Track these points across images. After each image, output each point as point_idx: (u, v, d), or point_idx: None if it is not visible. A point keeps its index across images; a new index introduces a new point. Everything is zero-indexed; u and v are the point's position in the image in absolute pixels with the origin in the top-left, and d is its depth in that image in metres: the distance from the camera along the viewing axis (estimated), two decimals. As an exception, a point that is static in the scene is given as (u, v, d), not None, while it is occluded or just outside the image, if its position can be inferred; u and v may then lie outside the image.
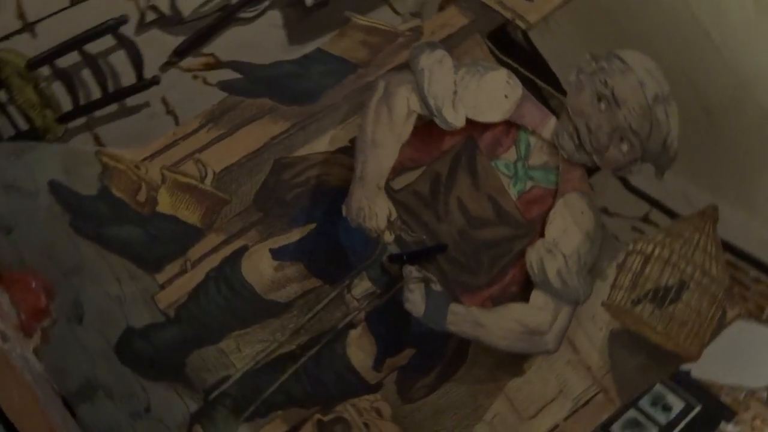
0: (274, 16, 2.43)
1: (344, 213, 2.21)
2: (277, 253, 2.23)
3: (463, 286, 2.31)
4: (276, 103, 2.32)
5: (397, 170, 2.32)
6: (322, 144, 2.30)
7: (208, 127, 2.28)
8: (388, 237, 2.22)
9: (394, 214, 2.22)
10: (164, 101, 2.31)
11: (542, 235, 2.36)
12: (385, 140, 2.25)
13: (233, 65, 2.35)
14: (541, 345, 2.29)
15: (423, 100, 2.29)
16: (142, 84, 2.30)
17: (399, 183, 2.32)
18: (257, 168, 2.27)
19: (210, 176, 2.23)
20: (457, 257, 2.33)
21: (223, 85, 2.32)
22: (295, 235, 2.25)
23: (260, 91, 2.34)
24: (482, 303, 2.32)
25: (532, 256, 2.34)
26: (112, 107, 2.28)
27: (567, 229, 2.40)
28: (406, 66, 2.33)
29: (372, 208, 2.22)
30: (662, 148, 2.38)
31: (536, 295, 2.32)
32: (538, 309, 2.31)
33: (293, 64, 2.38)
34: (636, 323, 2.43)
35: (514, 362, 2.31)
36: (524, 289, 2.34)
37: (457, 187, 2.36)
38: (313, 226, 2.27)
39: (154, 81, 2.30)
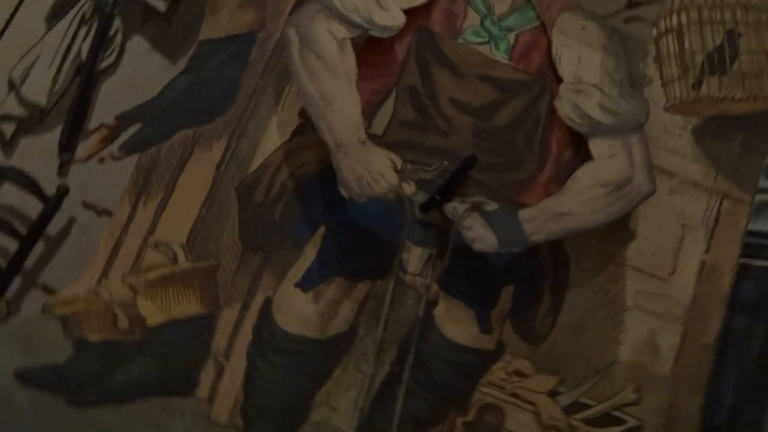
0: (137, 45, 2.04)
1: (345, 194, 1.83)
2: (304, 283, 1.83)
3: (516, 187, 1.92)
4: (195, 128, 1.93)
5: (369, 112, 1.92)
6: (273, 138, 1.89)
7: (143, 202, 1.88)
8: (408, 188, 1.83)
9: (398, 161, 1.83)
10: (86, 205, 1.93)
11: (559, 80, 1.99)
12: (335, 89, 1.84)
13: (126, 119, 1.94)
14: (635, 192, 1.91)
15: (345, 20, 1.88)
16: (52, 204, 1.93)
17: (379, 124, 1.91)
18: (223, 210, 1.86)
19: (180, 252, 1.82)
20: (489, 161, 1.93)
21: (129, 147, 1.92)
22: (310, 252, 1.85)
23: (169, 126, 1.93)
24: (546, 191, 1.94)
25: (564, 107, 1.95)
26: (39, 248, 1.91)
27: (580, 57, 2.00)
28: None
29: (371, 170, 1.81)
30: None
31: (595, 145, 1.94)
32: (607, 158, 1.92)
33: (185, 76, 1.96)
34: (712, 105, 2.04)
35: (618, 230, 1.92)
36: (578, 148, 1.96)
37: (441, 89, 1.96)
38: (322, 229, 1.88)
39: (62, 193, 1.94)
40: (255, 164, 1.86)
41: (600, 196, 1.87)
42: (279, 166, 1.89)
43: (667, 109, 2.03)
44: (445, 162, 1.85)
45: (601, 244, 1.90)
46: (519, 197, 1.91)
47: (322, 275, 1.83)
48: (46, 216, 1.94)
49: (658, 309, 1.90)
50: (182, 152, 1.88)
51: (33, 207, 1.94)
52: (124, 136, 1.90)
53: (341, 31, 1.87)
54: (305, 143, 1.89)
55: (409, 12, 1.91)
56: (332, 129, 1.80)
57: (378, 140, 1.87)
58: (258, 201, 1.87)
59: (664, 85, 2.06)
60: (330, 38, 1.86)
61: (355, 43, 1.88)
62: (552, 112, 1.94)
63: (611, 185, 1.88)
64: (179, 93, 1.92)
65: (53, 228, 1.94)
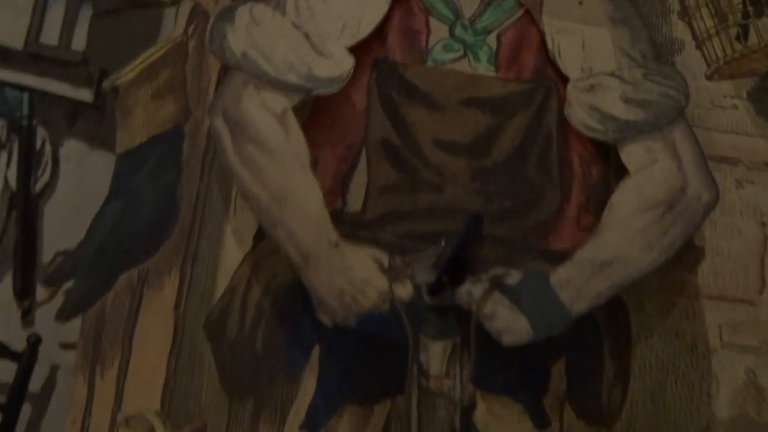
0: (72, 149, 1.84)
1: (327, 321, 1.47)
2: (311, 424, 1.48)
3: (541, 232, 1.54)
4: (139, 266, 1.60)
5: (339, 187, 1.57)
6: (232, 253, 1.54)
7: (99, 373, 1.56)
8: (404, 291, 1.49)
9: (385, 258, 1.48)
10: (66, 346, 1.66)
11: (565, 78, 1.61)
12: (287, 182, 1.48)
13: (55, 278, 1.64)
14: (694, 207, 1.53)
15: (280, 85, 1.53)
16: (26, 359, 1.70)
17: (356, 198, 1.56)
18: (194, 357, 1.51)
19: (157, 423, 1.50)
20: (500, 207, 1.57)
21: (67, 311, 1.60)
22: (309, 382, 1.49)
23: (107, 273, 1.59)
24: (579, 226, 1.58)
25: (578, 114, 1.56)
26: (26, 410, 1.71)
27: (584, 41, 1.61)
28: (224, 69, 1.57)
29: (353, 279, 1.44)
30: None
31: (629, 155, 1.55)
32: (647, 169, 1.53)
33: (111, 204, 1.63)
34: (765, 57, 1.63)
35: (682, 255, 1.57)
36: (608, 159, 1.59)
37: (420, 132, 1.58)
38: (316, 350, 1.52)
39: (34, 343, 1.72)
40: (219, 291, 1.52)
41: (649, 224, 1.49)
42: (248, 286, 1.53)
43: (710, 77, 1.63)
44: (443, 236, 1.51)
45: (663, 275, 1.53)
46: (548, 243, 1.54)
47: (329, 408, 1.49)
48: (23, 375, 1.72)
49: (753, 341, 1.54)
50: (130, 300, 1.55)
51: (6, 370, 1.71)
52: (57, 301, 1.62)
53: (279, 102, 1.51)
54: (272, 248, 1.54)
55: (358, 47, 1.57)
56: (293, 237, 1.44)
57: (359, 220, 1.53)
58: (233, 336, 1.52)
59: (699, 46, 1.65)
60: (267, 116, 1.50)
61: (301, 107, 1.55)
62: (565, 122, 1.56)
63: (660, 205, 1.50)
64: (109, 228, 1.60)
65: (35, 384, 1.71)
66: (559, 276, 1.46)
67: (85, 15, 1.92)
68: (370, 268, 1.43)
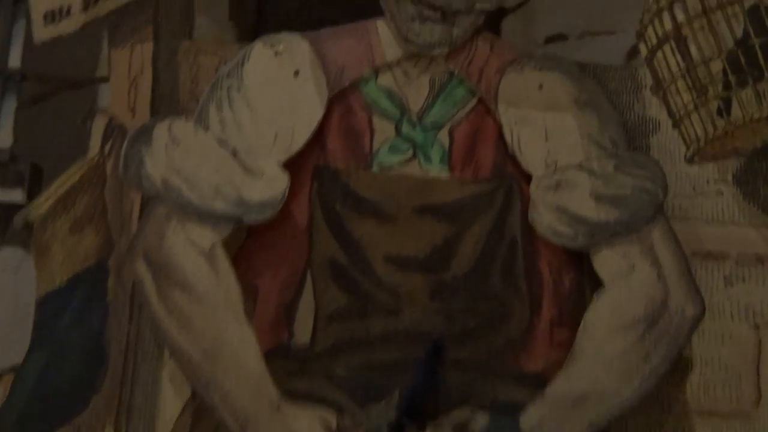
0: (6, 259, 1.63)
1: None
2: None
3: (511, 352, 1.37)
4: (67, 425, 1.41)
5: (284, 318, 1.39)
6: (171, 402, 1.33)
7: None
8: None
9: (332, 418, 1.31)
10: None
11: (527, 175, 1.47)
12: (219, 332, 1.33)
13: None
14: (677, 320, 1.38)
15: (207, 215, 1.37)
16: None
17: (304, 329, 1.39)
18: None
19: None
20: (463, 328, 1.42)
21: None
22: None
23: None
24: (552, 341, 1.43)
25: (544, 219, 1.40)
26: None
27: (547, 130, 1.45)
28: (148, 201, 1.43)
29: None
30: None
31: (602, 263, 1.39)
32: (624, 278, 1.39)
33: (33, 355, 1.45)
34: (753, 131, 1.47)
35: (668, 372, 1.43)
36: (581, 265, 1.45)
37: (370, 248, 1.43)
38: None
39: None
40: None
41: (628, 347, 1.33)
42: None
43: (690, 160, 1.46)
44: (398, 384, 1.36)
45: (648, 405, 1.40)
46: (519, 365, 1.37)
47: None
48: None
49: (752, 460, 1.42)
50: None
51: None
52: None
53: (206, 236, 1.35)
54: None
55: (293, 160, 1.41)
56: (228, 400, 1.28)
57: (308, 353, 1.37)
58: None
59: (676, 124, 1.48)
60: (193, 255, 1.35)
61: (233, 240, 1.40)
62: (529, 228, 1.40)
63: (640, 323, 1.34)
64: (33, 385, 1.44)
65: None
66: (530, 418, 1.30)
67: (9, 107, 1.80)
68: (316, 429, 1.32)
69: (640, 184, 1.43)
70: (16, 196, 1.80)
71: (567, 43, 2.37)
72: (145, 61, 1.48)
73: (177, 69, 1.48)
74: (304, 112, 1.42)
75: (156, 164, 1.38)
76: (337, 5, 1.78)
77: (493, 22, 1.69)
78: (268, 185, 1.38)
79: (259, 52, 1.47)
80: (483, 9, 1.44)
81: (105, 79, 1.64)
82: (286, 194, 1.38)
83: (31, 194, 1.79)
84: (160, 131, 1.40)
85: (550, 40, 2.20)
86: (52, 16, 1.48)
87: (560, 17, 1.92)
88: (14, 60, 1.99)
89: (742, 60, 1.45)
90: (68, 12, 1.47)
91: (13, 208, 1.82)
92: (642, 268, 1.39)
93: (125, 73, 1.48)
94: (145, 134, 1.41)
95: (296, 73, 1.46)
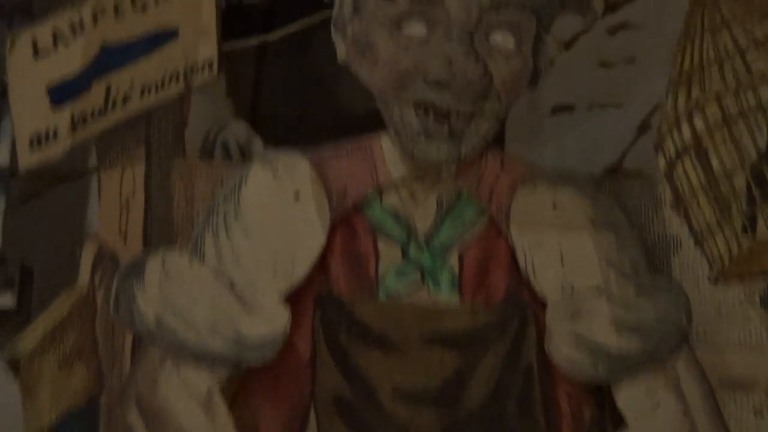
0: None
1: None
2: None
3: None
4: None
5: None
6: None
7: None
8: None
9: None
10: None
11: (542, 302, 1.39)
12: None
13: None
14: None
15: (204, 355, 1.28)
16: None
17: None
18: None
19: None
20: None
21: None
22: None
23: None
24: None
25: (561, 350, 1.31)
26: None
27: (563, 253, 1.38)
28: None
29: None
30: None
31: (625, 398, 1.31)
32: (648, 416, 1.32)
33: None
34: None
35: None
36: (602, 399, 1.38)
37: (377, 381, 1.33)
38: None
39: None
40: None
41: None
42: None
43: (714, 281, 1.41)
44: None
45: None
46: None
47: None
48: None
49: None
50: None
51: None
52: None
53: (203, 381, 1.26)
54: None
55: (297, 291, 1.32)
56: None
57: None
58: None
59: (699, 242, 1.43)
60: (189, 403, 1.25)
61: (229, 383, 1.32)
62: (546, 362, 1.31)
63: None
64: None
65: None
66: None
67: (-2, 208, 1.73)
68: None
69: (663, 310, 1.36)
70: (6, 300, 1.74)
71: (574, 114, 2.33)
72: (136, 182, 1.41)
73: (171, 190, 1.42)
74: (305, 238, 1.35)
75: (149, 301, 1.30)
76: (330, 78, 1.73)
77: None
78: (268, 322, 1.29)
79: (257, 173, 1.41)
80: (493, 112, 1.40)
81: (96, 170, 1.58)
82: (288, 332, 1.31)
83: (22, 298, 1.73)
84: (153, 265, 1.33)
85: (557, 110, 2.15)
86: (38, 140, 1.42)
87: (567, 87, 1.87)
88: (2, 157, 1.95)
89: (767, 173, 1.42)
90: (55, 135, 1.41)
91: (3, 314, 1.76)
92: (667, 404, 1.31)
93: (116, 196, 1.41)
94: (136, 268, 1.34)
95: (296, 195, 1.39)
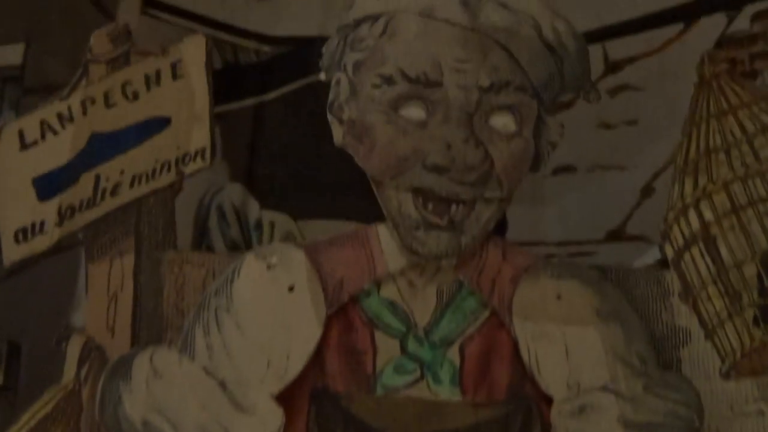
0: None
1: None
2: None
3: None
4: None
5: None
6: None
7: None
8: None
9: None
10: None
11: (546, 398, 1.35)
12: None
13: None
14: None
15: None
16: None
17: None
18: None
19: None
20: None
21: None
22: None
23: None
24: None
25: (570, 451, 1.31)
26: None
27: (568, 348, 1.34)
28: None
29: None
30: (575, 47, 1.34)
31: None
32: None
33: None
34: None
35: None
36: None
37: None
38: None
39: None
40: None
41: None
42: None
43: (726, 376, 1.35)
44: None
45: None
46: None
47: None
48: None
49: None
50: None
51: None
52: None
53: None
54: None
55: (286, 389, 1.29)
56: None
57: None
58: None
59: (709, 335, 1.38)
60: None
61: None
62: (552, 465, 1.32)
63: None
64: None
65: None
66: None
67: (-14, 284, 1.69)
68: None
69: (673, 409, 1.30)
70: (-6, 381, 1.71)
71: (576, 176, 2.29)
72: (125, 275, 1.37)
73: (160, 282, 1.38)
74: (300, 332, 1.30)
75: (135, 403, 1.25)
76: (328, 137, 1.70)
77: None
78: (261, 424, 1.23)
79: (251, 265, 1.37)
80: (494, 198, 1.37)
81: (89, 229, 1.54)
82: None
83: (9, 373, 1.69)
84: (141, 363, 1.29)
85: (558, 171, 2.12)
86: (24, 234, 1.38)
87: (568, 148, 1.84)
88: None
89: None
90: (41, 228, 1.38)
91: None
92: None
93: (104, 289, 1.37)
94: (124, 367, 1.29)
95: (291, 288, 1.35)
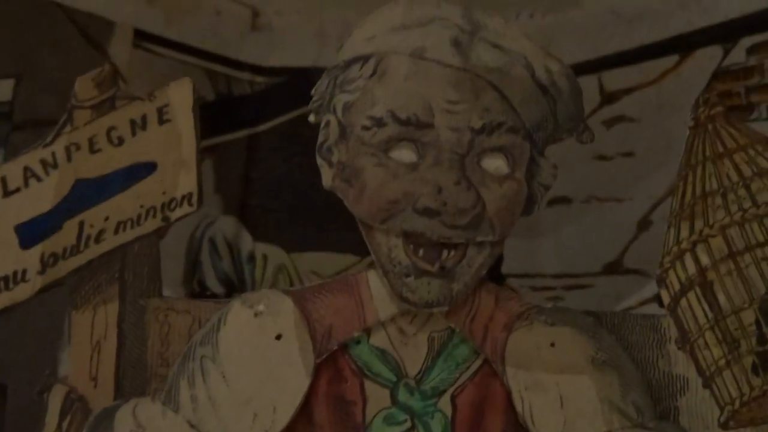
0: None
1: None
2: None
3: None
4: None
5: None
6: None
7: None
8: None
9: None
10: None
11: None
12: None
13: None
14: None
15: None
16: None
17: None
18: None
19: None
20: None
21: None
22: None
23: None
24: None
25: None
26: None
27: (562, 396, 1.30)
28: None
29: None
30: (568, 87, 1.32)
31: None
32: None
33: None
34: None
35: None
36: None
37: None
38: None
39: None
40: None
41: None
42: None
43: (724, 425, 1.32)
44: None
45: None
46: None
47: None
48: None
49: None
50: None
51: None
52: None
53: None
54: None
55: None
56: None
57: None
58: None
59: (707, 383, 1.35)
60: None
61: None
62: None
63: None
64: None
65: None
66: None
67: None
68: None
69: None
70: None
71: (572, 207, 2.26)
72: (109, 323, 1.34)
73: (145, 330, 1.36)
74: (287, 382, 1.27)
75: None
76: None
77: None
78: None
79: (237, 313, 1.34)
80: (486, 242, 1.34)
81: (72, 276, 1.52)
82: None
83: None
84: (124, 416, 1.25)
85: (554, 202, 2.09)
86: (5, 283, 1.35)
87: (564, 179, 1.82)
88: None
89: None
90: (24, 277, 1.36)
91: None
92: None
93: (87, 337, 1.34)
94: (106, 420, 1.26)
95: (278, 337, 1.31)
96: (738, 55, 2.38)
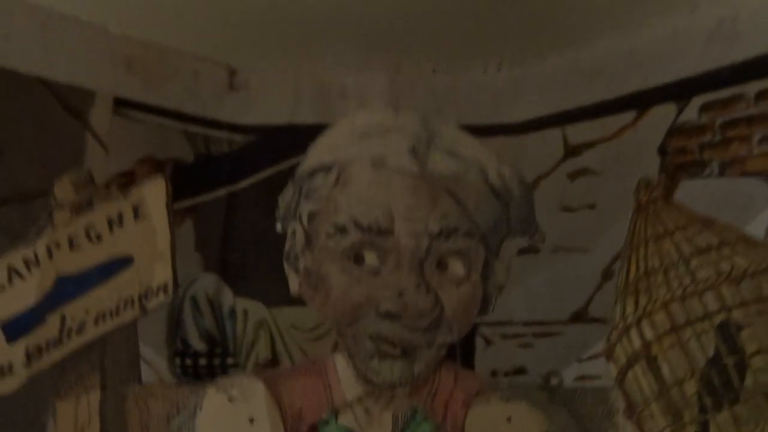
0: None
1: None
2: None
3: None
4: None
5: None
6: None
7: None
8: None
9: None
10: None
11: None
12: None
13: None
14: None
15: None
16: None
17: None
18: None
19: None
20: None
21: None
22: None
23: None
24: None
25: None
26: None
27: None
28: None
29: None
30: (520, 191, 1.39)
31: None
32: None
33: None
34: None
35: None
36: None
37: None
38: None
39: None
40: None
41: None
42: None
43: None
44: None
45: None
46: None
47: None
48: None
49: None
50: None
51: None
52: None
53: None
54: None
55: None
56: None
57: None
58: None
59: (655, 454, 1.45)
60: None
61: None
62: None
63: None
64: None
65: None
66: None
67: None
68: None
69: None
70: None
71: (540, 257, 2.32)
72: (91, 410, 1.40)
73: (126, 417, 1.42)
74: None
75: None
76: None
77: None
78: None
79: (212, 399, 1.39)
80: (444, 342, 1.37)
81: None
82: None
83: None
84: None
85: (522, 252, 2.14)
86: (-8, 377, 1.43)
87: None
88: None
89: (716, 381, 1.41)
90: (10, 370, 1.42)
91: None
92: None
93: (71, 425, 1.40)
94: None
95: (252, 420, 1.38)
96: (691, 112, 2.45)
